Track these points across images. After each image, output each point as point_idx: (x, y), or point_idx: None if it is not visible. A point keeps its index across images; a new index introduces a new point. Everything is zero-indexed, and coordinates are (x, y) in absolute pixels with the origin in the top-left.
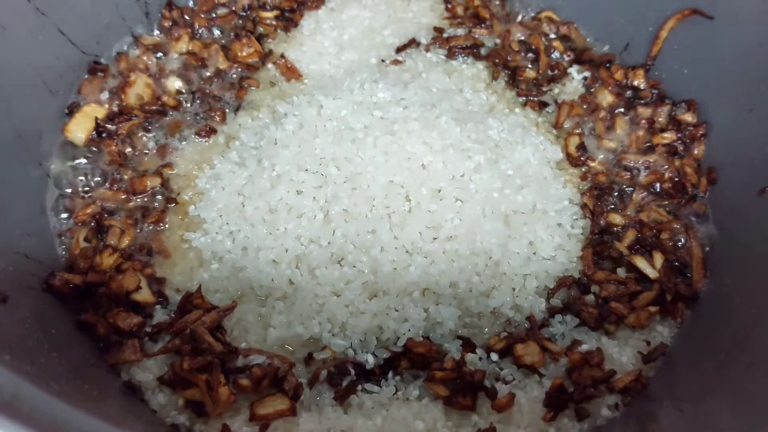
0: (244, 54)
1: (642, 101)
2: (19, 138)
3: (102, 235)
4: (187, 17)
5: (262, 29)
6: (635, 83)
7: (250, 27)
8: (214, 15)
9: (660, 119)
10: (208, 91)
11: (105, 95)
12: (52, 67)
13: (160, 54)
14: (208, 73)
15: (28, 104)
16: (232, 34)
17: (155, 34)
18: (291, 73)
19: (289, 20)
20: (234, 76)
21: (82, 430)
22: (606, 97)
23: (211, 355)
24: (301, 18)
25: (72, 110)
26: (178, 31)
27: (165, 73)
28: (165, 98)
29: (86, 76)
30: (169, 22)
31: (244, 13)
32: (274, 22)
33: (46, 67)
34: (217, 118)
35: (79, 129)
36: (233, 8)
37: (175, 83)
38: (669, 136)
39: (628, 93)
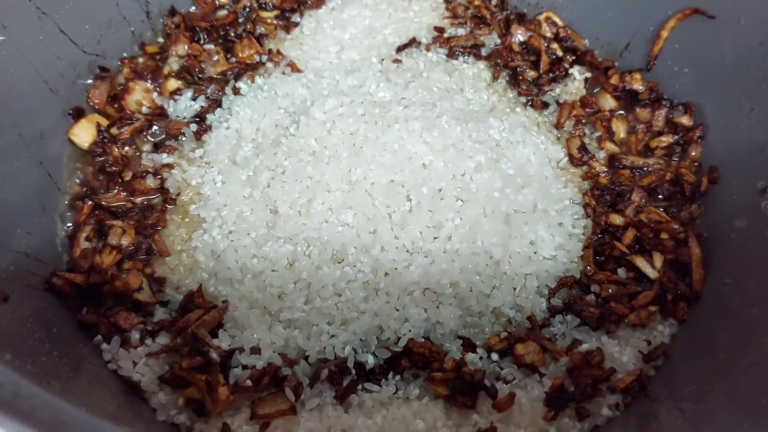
0: (245, 54)
1: (640, 104)
2: (20, 137)
3: (103, 235)
4: (188, 21)
5: (262, 29)
6: (633, 86)
7: (250, 27)
8: (214, 17)
9: (657, 122)
10: (207, 92)
11: (109, 101)
12: (53, 67)
13: (160, 57)
14: (208, 75)
15: (28, 103)
16: (232, 34)
17: (157, 39)
18: (291, 68)
19: (289, 20)
20: (234, 76)
21: (82, 429)
22: (608, 101)
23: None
24: (301, 18)
25: (77, 114)
26: (178, 35)
27: (165, 75)
28: (165, 101)
29: (94, 82)
30: (171, 28)
31: (244, 13)
32: (274, 22)
33: (46, 66)
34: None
35: (84, 133)
36: (234, 9)
37: (175, 85)
38: (666, 139)
39: (627, 96)
